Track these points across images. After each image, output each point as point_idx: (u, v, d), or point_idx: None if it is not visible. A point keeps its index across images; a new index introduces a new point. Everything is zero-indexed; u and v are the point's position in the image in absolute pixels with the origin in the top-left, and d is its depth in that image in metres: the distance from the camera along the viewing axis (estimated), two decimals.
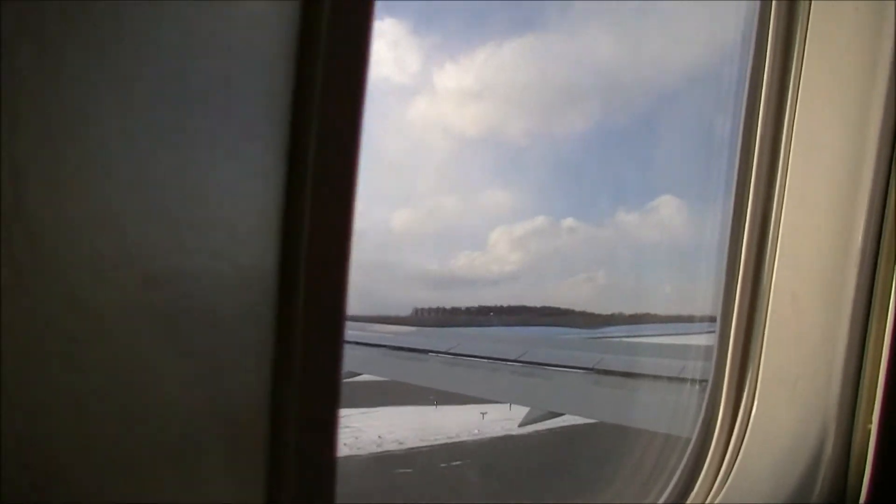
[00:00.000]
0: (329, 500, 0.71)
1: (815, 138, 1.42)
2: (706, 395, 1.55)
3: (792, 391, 1.44)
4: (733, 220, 1.50)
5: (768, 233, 1.47)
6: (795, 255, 1.45)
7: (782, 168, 1.45)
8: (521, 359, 5.96)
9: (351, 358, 6.80)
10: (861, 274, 1.38)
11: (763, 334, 1.47)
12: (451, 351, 6.38)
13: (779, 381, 1.46)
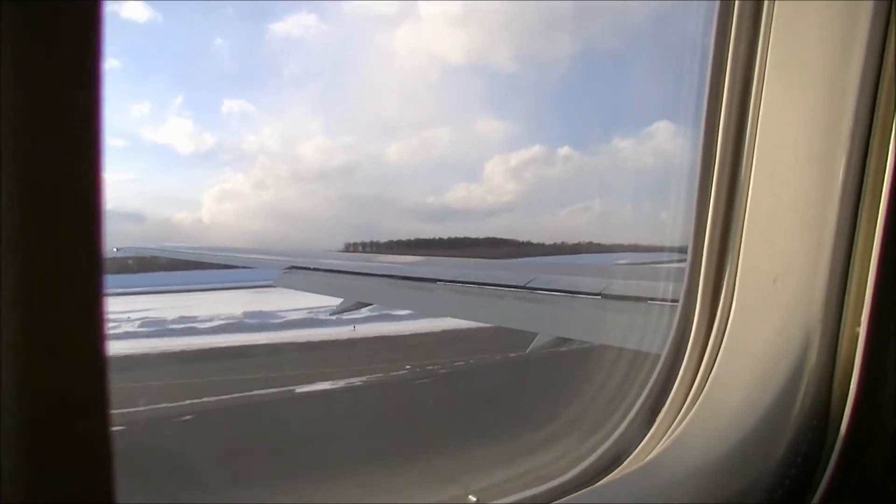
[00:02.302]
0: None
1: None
2: (680, 304, 1.41)
3: (772, 292, 1.28)
4: (708, 111, 1.34)
5: (746, 122, 1.31)
6: (776, 140, 1.27)
7: (759, 65, 1.30)
8: (529, 285, 5.89)
9: (357, 288, 6.82)
10: (850, 160, 1.19)
11: (741, 231, 1.31)
12: (459, 279, 6.33)
13: (757, 281, 1.30)
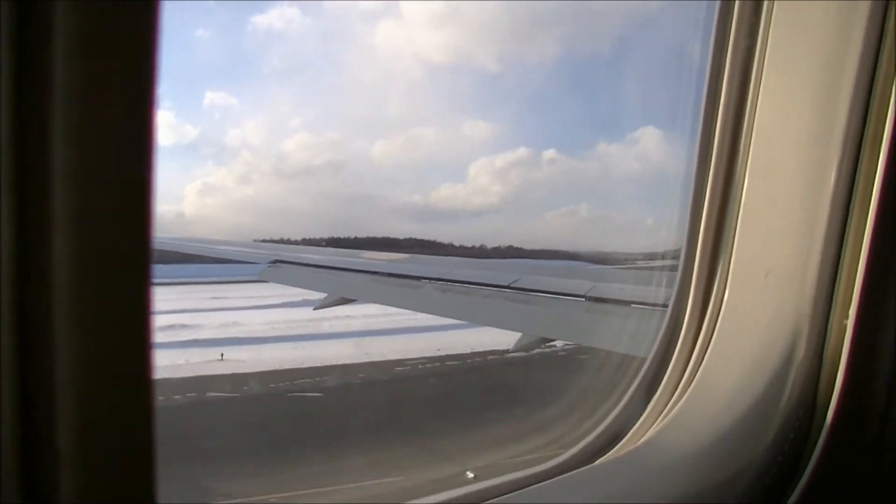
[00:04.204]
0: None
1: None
2: (674, 292, 1.45)
3: (764, 285, 1.33)
4: (706, 106, 1.39)
5: (743, 116, 1.36)
6: (771, 139, 1.32)
7: (758, 63, 1.34)
8: (514, 285, 5.92)
9: (343, 285, 6.81)
10: (843, 157, 1.24)
11: (735, 225, 1.36)
12: (444, 277, 6.35)
13: (750, 274, 1.35)
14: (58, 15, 0.54)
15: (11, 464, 0.58)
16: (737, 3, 1.35)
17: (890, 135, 1.19)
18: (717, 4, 1.39)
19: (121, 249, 0.59)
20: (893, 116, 1.19)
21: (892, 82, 1.20)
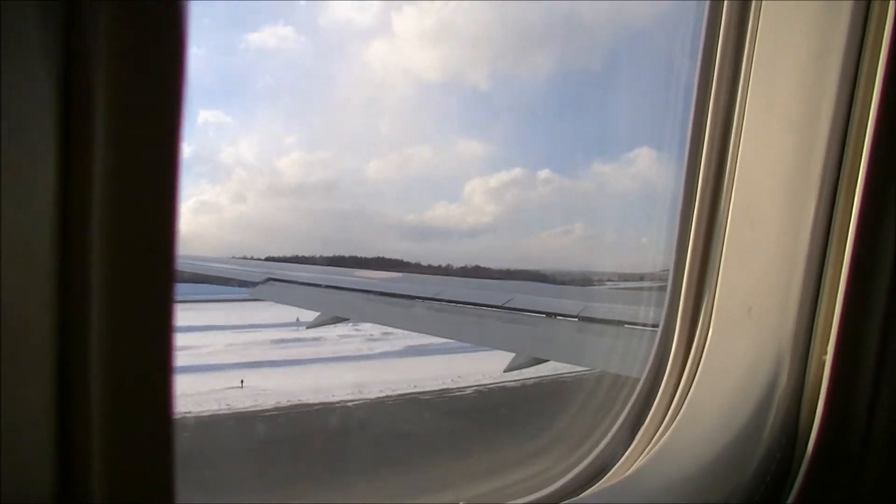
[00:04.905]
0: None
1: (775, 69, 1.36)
2: (660, 327, 1.50)
3: (747, 320, 1.38)
4: (690, 147, 1.45)
5: (726, 159, 1.42)
6: (753, 182, 1.38)
7: (740, 105, 1.41)
8: (507, 305, 5.94)
9: (336, 303, 6.82)
10: (820, 201, 1.31)
11: (719, 263, 1.42)
12: (437, 297, 6.36)
13: (733, 309, 1.40)
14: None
15: (47, 465, 0.62)
16: (720, 37, 1.42)
17: (864, 179, 1.25)
18: (702, 34, 1.45)
19: (149, 265, 0.63)
20: (868, 159, 1.25)
21: (865, 124, 1.26)
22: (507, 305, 5.86)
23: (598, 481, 1.41)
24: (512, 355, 5.41)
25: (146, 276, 0.63)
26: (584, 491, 1.38)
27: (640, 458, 1.42)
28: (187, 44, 0.62)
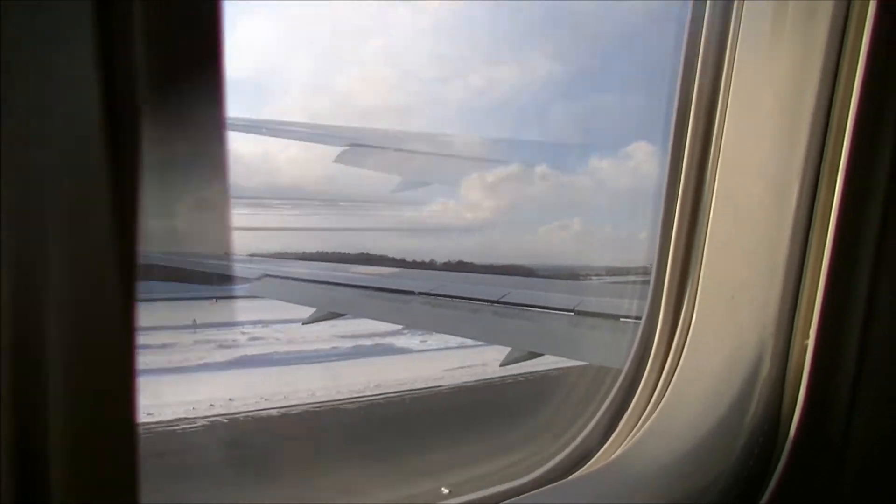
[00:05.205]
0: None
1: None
2: (644, 315, 1.51)
3: (730, 306, 1.39)
4: (675, 137, 1.46)
5: (710, 148, 1.43)
6: (736, 170, 1.39)
7: (723, 95, 1.42)
8: (503, 300, 5.94)
9: (331, 299, 6.80)
10: (802, 189, 1.32)
11: (703, 250, 1.43)
12: (434, 292, 6.35)
13: (716, 296, 1.41)
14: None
15: (6, 465, 0.60)
16: (703, 34, 1.43)
17: (845, 167, 1.26)
18: (685, 34, 1.46)
19: (111, 262, 0.62)
20: (849, 148, 1.26)
21: (846, 115, 1.27)
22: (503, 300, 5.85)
23: (583, 466, 1.42)
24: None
25: (108, 274, 0.62)
26: (569, 476, 1.39)
27: (624, 443, 1.43)
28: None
